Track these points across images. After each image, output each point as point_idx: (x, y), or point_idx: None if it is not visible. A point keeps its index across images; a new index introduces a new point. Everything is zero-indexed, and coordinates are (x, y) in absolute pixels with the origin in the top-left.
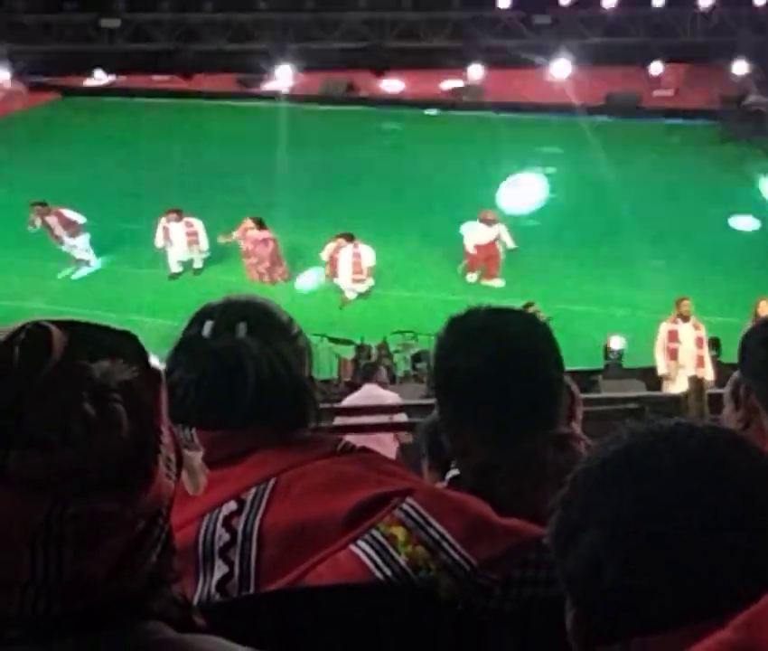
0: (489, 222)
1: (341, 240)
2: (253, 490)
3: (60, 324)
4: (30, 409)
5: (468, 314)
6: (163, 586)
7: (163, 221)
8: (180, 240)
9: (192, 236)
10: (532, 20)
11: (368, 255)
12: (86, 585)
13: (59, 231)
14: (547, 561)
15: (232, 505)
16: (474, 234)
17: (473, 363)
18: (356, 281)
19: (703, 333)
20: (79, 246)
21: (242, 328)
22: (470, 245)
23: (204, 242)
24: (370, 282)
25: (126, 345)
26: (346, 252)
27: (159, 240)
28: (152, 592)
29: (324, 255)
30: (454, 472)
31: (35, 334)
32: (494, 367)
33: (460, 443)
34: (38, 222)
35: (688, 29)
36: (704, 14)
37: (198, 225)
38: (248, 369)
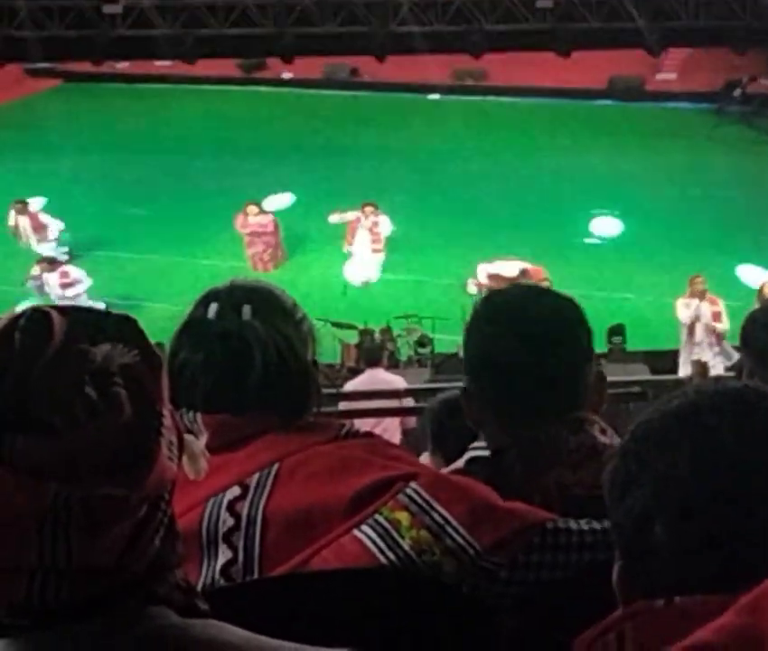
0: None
1: (367, 209)
2: (257, 475)
3: (61, 309)
4: (33, 394)
5: (499, 292)
6: (166, 570)
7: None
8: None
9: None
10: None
11: (386, 225)
12: (93, 571)
13: (28, 233)
14: (552, 544)
15: (236, 490)
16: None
17: (496, 343)
18: (375, 251)
19: (720, 307)
20: (45, 253)
21: (247, 310)
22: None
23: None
24: (382, 257)
25: (127, 329)
26: (366, 222)
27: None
28: (156, 577)
29: (345, 217)
30: (471, 454)
31: (36, 319)
32: (516, 347)
33: (481, 422)
34: (12, 221)
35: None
36: None
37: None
38: (254, 351)
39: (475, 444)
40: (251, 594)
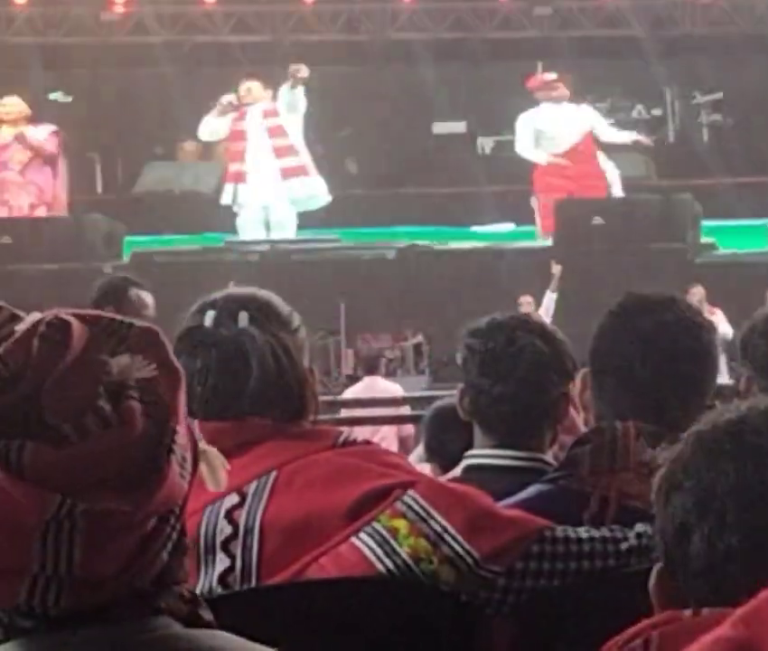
0: None
1: None
2: (255, 483)
3: (82, 317)
4: (46, 401)
5: (627, 297)
6: (172, 584)
7: None
8: None
9: None
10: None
11: None
12: (95, 581)
13: None
14: (550, 553)
15: (234, 498)
16: None
17: (606, 343)
18: None
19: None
20: None
21: (244, 318)
22: None
23: None
24: None
25: (148, 341)
26: None
27: None
28: (161, 590)
29: None
30: (468, 461)
31: (55, 326)
32: (626, 352)
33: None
34: None
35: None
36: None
37: None
38: (250, 359)
39: (472, 452)
40: (249, 602)
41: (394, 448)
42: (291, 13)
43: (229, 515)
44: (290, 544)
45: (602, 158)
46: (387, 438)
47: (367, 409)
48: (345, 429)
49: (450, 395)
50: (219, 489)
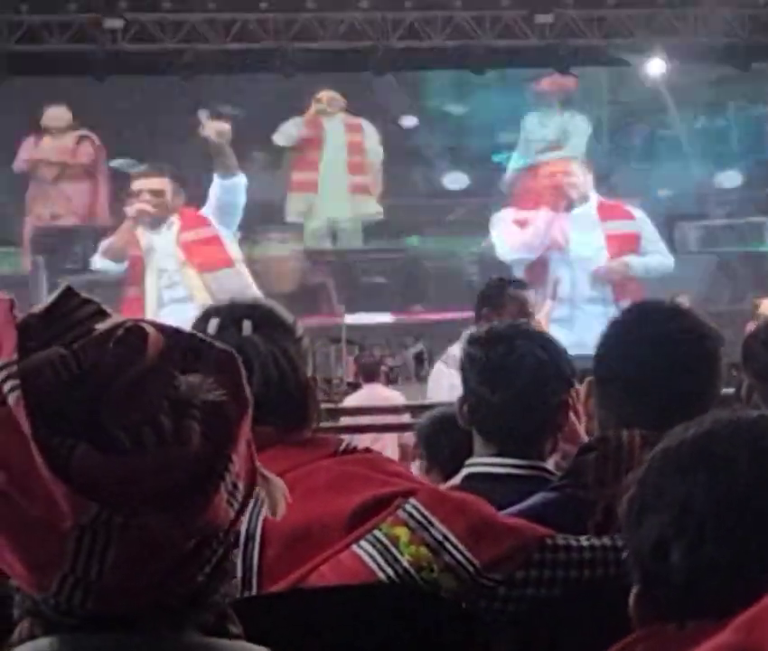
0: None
1: None
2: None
3: (162, 328)
4: (108, 406)
5: (632, 305)
6: (207, 605)
7: None
8: None
9: None
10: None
11: None
12: (124, 591)
13: None
14: (551, 561)
15: None
16: None
17: (611, 351)
18: None
19: None
20: None
21: (248, 326)
22: None
23: None
24: None
25: (223, 366)
26: None
27: None
28: (193, 609)
29: None
30: (468, 470)
31: (133, 332)
32: (631, 360)
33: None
34: None
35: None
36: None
37: None
38: (254, 367)
39: (472, 460)
40: (249, 610)
41: (394, 456)
42: (293, 20)
43: None
44: (291, 552)
45: None
46: (387, 446)
47: (367, 416)
48: (346, 437)
49: (449, 403)
50: (276, 518)
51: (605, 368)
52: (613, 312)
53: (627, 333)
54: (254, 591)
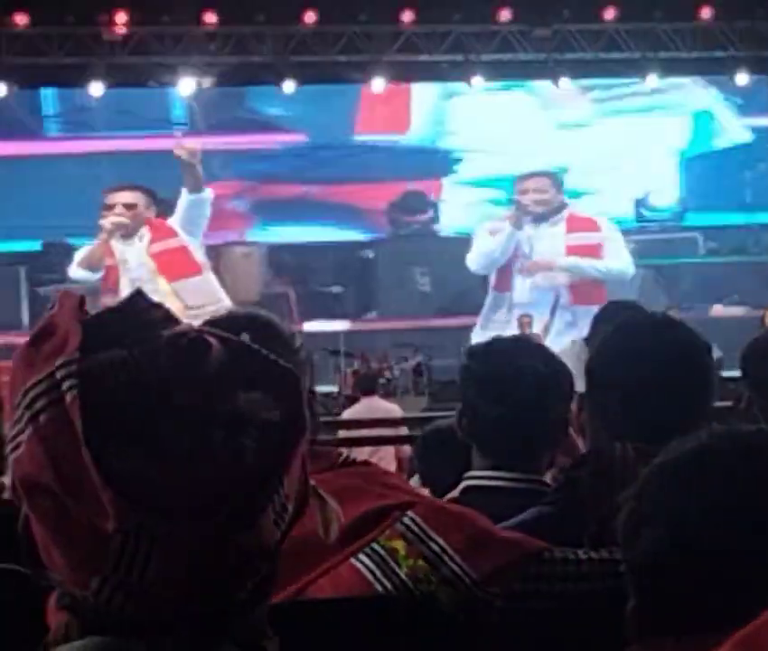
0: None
1: None
2: None
3: (226, 340)
4: (163, 414)
5: (625, 318)
6: (245, 617)
7: None
8: None
9: None
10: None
11: None
12: (164, 598)
13: None
14: (549, 574)
15: None
16: None
17: (604, 364)
18: None
19: None
20: None
21: (245, 338)
22: None
23: None
24: None
25: (284, 384)
26: None
27: None
28: (231, 620)
29: None
30: (466, 483)
31: (196, 342)
32: (624, 372)
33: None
34: None
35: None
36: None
37: None
38: None
39: (470, 473)
40: None
41: (392, 468)
42: (291, 34)
43: None
44: (288, 564)
45: None
46: (385, 458)
47: (365, 429)
48: (344, 450)
49: (448, 416)
50: (328, 541)
51: (598, 381)
52: (568, 317)
53: (620, 345)
54: None
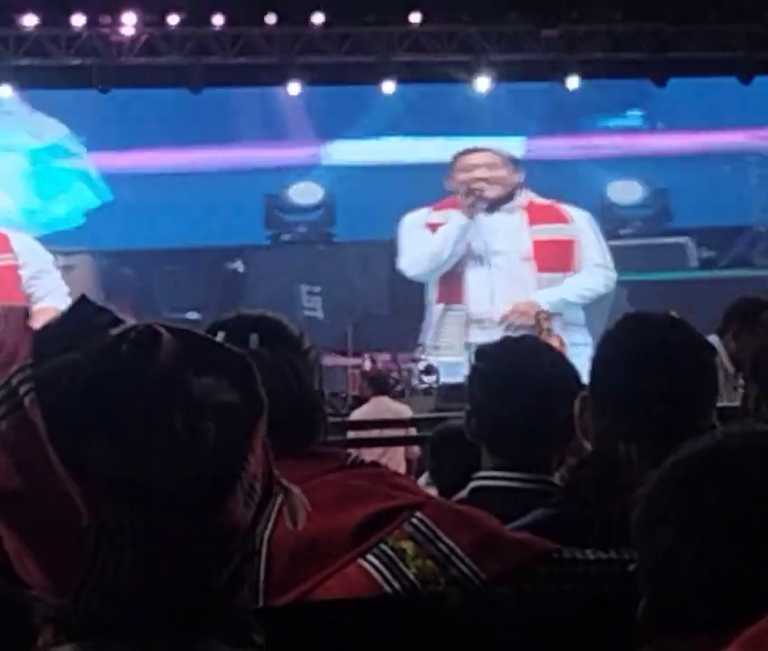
0: None
1: None
2: None
3: (175, 330)
4: (122, 408)
5: (627, 317)
6: (225, 609)
7: None
8: None
9: None
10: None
11: None
12: (142, 596)
13: None
14: (558, 574)
15: None
16: None
17: (606, 364)
18: None
19: None
20: None
21: (254, 339)
22: None
23: None
24: None
25: (237, 367)
26: None
27: None
28: (211, 612)
29: None
30: (475, 484)
31: (145, 335)
32: (626, 372)
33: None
34: None
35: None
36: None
37: None
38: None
39: (479, 474)
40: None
41: (401, 469)
42: (299, 34)
43: None
44: (297, 565)
45: None
46: (394, 459)
47: (374, 430)
48: (353, 451)
49: (457, 417)
50: (297, 528)
51: (602, 381)
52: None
53: (623, 345)
54: (260, 604)
